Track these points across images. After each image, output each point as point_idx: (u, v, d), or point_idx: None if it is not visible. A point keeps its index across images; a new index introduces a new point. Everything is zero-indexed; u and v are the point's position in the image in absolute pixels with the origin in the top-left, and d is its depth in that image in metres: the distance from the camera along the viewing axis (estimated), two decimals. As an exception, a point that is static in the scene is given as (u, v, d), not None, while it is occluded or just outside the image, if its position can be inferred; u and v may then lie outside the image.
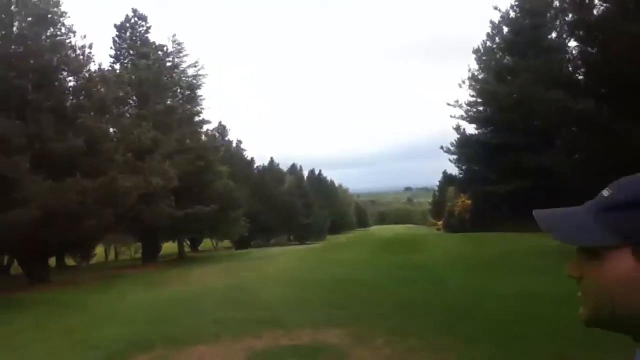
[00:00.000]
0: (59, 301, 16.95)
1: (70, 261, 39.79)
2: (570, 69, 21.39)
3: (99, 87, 24.83)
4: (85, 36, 30.18)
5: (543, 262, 15.52)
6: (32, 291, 20.30)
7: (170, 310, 12.71)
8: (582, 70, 21.07)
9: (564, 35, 21.27)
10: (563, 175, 25.60)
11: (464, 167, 42.35)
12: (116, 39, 34.09)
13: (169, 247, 40.78)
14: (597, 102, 17.11)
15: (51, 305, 16.25)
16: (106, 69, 28.25)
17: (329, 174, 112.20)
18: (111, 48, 34.20)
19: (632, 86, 16.71)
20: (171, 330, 10.24)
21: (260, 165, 64.47)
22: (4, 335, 12.05)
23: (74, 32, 24.22)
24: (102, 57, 69.30)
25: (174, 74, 37.04)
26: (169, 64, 36.59)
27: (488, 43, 38.30)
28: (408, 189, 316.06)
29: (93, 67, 25.43)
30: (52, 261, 31.39)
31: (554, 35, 30.45)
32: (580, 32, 19.54)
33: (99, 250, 43.87)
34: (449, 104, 39.24)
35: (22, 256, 24.41)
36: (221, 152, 40.67)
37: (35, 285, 21.78)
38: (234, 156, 52.07)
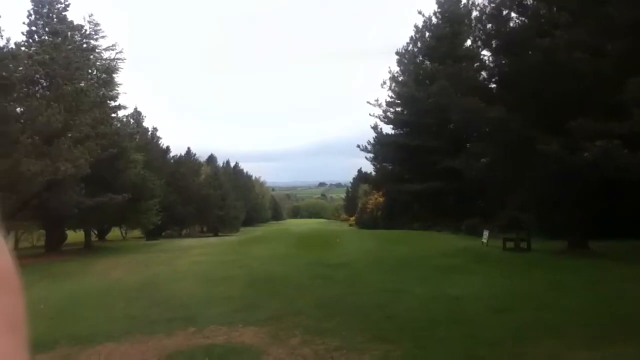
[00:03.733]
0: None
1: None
2: (485, 76, 22.32)
3: (6, 62, 23.15)
4: (-9, 7, 28.03)
5: (453, 261, 16.18)
6: None
7: (76, 305, 12.11)
8: (496, 79, 22.09)
9: (479, 44, 22.14)
10: (471, 177, 26.72)
11: (379, 166, 43.38)
12: (32, 12, 31.85)
13: (74, 235, 38.83)
14: (508, 110, 17.95)
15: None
16: (13, 45, 26.34)
17: (245, 167, 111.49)
18: (24, 23, 31.96)
19: (541, 97, 17.70)
20: (76, 328, 9.74)
21: (176, 155, 62.78)
22: None
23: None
24: (13, 32, 65.10)
25: (91, 56, 35.18)
26: (85, 45, 34.71)
27: (410, 46, 39.39)
28: (322, 184, 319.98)
29: (1, 42, 23.71)
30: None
31: (468, 43, 31.72)
32: (496, 43, 20.46)
33: (-4, 236, 41.15)
34: (369, 103, 40.10)
35: None
36: (136, 139, 39.23)
37: None
38: (149, 144, 50.35)
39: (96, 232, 45.82)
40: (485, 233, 21.71)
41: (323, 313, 10.09)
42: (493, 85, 22.35)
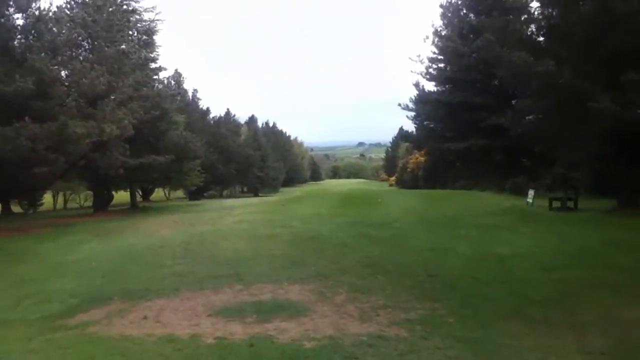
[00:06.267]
0: (7, 249, 16.35)
1: (16, 208, 38.55)
2: (533, 30, 21.42)
3: (49, 26, 23.41)
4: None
5: (499, 221, 15.87)
6: (-22, 239, 19.52)
7: (126, 262, 12.41)
8: (544, 31, 21.17)
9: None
10: (517, 135, 26.05)
11: (420, 124, 42.66)
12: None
13: (120, 195, 39.89)
14: (557, 64, 17.22)
15: (0, 253, 15.67)
16: (55, 8, 26.59)
17: (284, 128, 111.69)
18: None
19: (592, 49, 16.90)
20: (128, 284, 10.01)
21: (216, 116, 63.26)
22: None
23: (20, -34, 22.60)
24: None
25: (131, 18, 35.39)
26: (124, 6, 34.90)
27: (454, -1, 38.03)
28: (361, 144, 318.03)
29: (44, 4, 23.98)
30: (-2, 208, 30.32)
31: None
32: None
33: (47, 197, 42.61)
34: (410, 59, 39.14)
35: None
36: (177, 100, 39.54)
37: (-19, 232, 20.97)
38: (190, 105, 50.80)
39: (141, 192, 46.94)
40: (531, 192, 21.19)
41: (368, 271, 10.07)
42: (541, 39, 21.43)
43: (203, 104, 59.15)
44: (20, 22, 23.13)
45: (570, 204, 19.56)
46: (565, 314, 7.40)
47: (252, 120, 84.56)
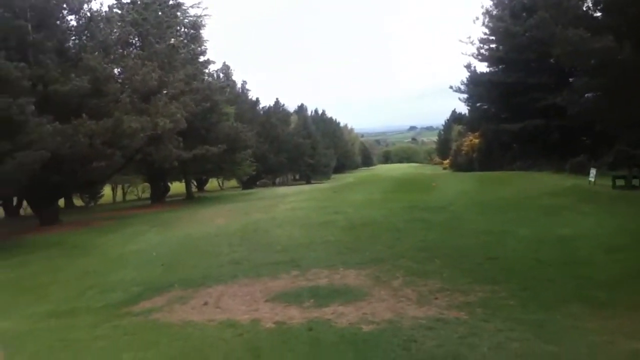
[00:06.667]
0: (71, 242, 17.00)
1: (78, 201, 40.09)
2: (589, 5, 20.52)
3: (101, 26, 24.11)
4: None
5: (560, 201, 15.34)
6: (43, 232, 20.39)
7: (185, 251, 12.71)
8: (601, 6, 20.24)
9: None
10: (576, 114, 25.16)
11: (473, 106, 41.76)
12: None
13: (175, 187, 40.86)
14: (617, 39, 16.46)
15: (64, 246, 16.31)
16: (106, 8, 27.32)
17: (334, 115, 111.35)
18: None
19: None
20: (187, 272, 10.23)
21: (265, 106, 63.75)
22: (21, 277, 12.14)
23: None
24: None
25: (178, 13, 36.06)
26: (171, 2, 35.56)
27: (505, -22, 36.88)
28: (413, 128, 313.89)
29: (95, 6, 24.68)
30: (61, 202, 31.56)
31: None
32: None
33: (107, 190, 44.11)
34: (461, 41, 38.30)
35: (33, 198, 24.47)
36: (227, 92, 40.04)
37: (45, 226, 21.89)
38: (239, 97, 51.39)
39: (195, 183, 47.95)
40: (593, 171, 20.39)
41: (424, 256, 9.94)
42: (599, 14, 20.49)
43: (252, 95, 59.77)
44: (73, 23, 23.86)
45: (636, 182, 18.74)
46: (630, 296, 7.12)
47: (301, 109, 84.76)
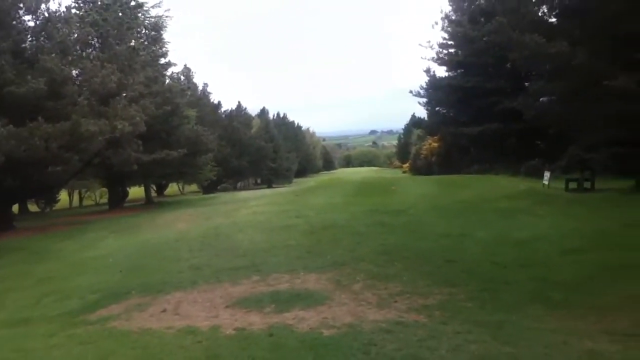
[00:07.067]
0: (28, 248, 16.57)
1: (33, 207, 38.97)
2: (545, 11, 21.09)
3: (59, 27, 23.52)
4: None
5: (516, 204, 15.71)
6: (-2, 238, 19.78)
7: (144, 257, 12.51)
8: (557, 12, 20.83)
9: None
10: (531, 118, 25.76)
11: (433, 110, 42.39)
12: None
13: (134, 191, 40.17)
14: (571, 45, 16.94)
15: (21, 252, 15.89)
16: (64, 9, 26.65)
17: (295, 119, 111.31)
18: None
19: (608, 28, 16.59)
20: (146, 278, 10.07)
21: (227, 110, 63.27)
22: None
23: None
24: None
25: (139, 14, 35.47)
26: (132, 2, 34.97)
27: (463, -17, 37.59)
28: (373, 132, 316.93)
29: (53, 6, 24.07)
30: (15, 207, 30.65)
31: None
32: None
33: (63, 195, 43.00)
34: (420, 45, 38.89)
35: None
36: (188, 95, 39.58)
37: (0, 232, 21.23)
38: (201, 100, 50.82)
39: (155, 188, 47.20)
40: (547, 174, 20.94)
41: (384, 259, 10.04)
42: (554, 20, 21.09)
43: (214, 98, 59.22)
44: (30, 23, 23.23)
45: (587, 184, 19.33)
46: (586, 296, 7.33)
47: (263, 112, 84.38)
